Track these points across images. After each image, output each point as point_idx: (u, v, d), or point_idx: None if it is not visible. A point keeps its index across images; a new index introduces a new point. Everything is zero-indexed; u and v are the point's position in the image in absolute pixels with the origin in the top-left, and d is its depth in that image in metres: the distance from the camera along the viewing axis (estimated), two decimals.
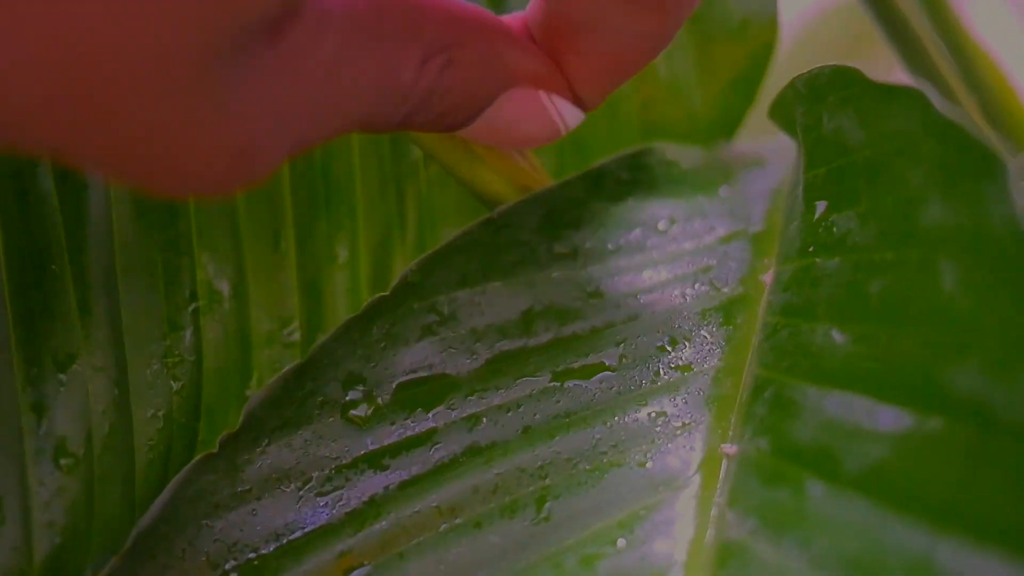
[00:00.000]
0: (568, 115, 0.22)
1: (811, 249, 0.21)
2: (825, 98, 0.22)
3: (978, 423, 0.16)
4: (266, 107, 0.16)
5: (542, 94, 0.21)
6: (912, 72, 0.34)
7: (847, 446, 0.17)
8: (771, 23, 0.30)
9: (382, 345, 0.22)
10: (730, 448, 0.19)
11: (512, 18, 0.21)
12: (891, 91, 0.19)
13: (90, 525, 0.23)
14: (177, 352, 0.24)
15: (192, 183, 0.16)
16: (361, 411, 0.22)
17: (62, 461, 0.22)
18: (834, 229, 0.21)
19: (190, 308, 0.24)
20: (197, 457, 0.21)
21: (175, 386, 0.24)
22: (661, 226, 0.25)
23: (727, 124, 0.30)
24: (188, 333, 0.24)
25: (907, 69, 0.35)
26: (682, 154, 0.26)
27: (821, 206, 0.21)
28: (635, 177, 0.25)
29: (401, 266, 0.27)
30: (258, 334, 0.25)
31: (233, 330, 0.25)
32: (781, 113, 0.24)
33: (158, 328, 0.24)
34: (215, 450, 0.21)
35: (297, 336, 0.26)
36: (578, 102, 0.22)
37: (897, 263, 0.18)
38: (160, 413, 0.24)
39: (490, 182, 0.24)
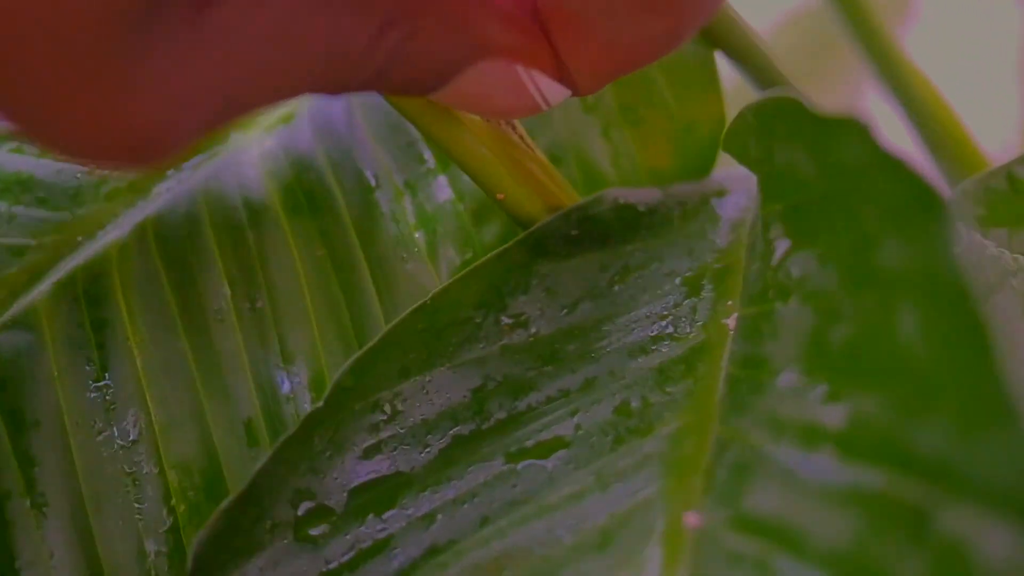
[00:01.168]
0: (549, 92, 0.20)
1: (771, 293, 0.20)
2: (774, 130, 0.20)
3: (943, 486, 0.14)
4: (187, 76, 0.15)
5: (519, 68, 0.20)
6: (880, 78, 0.33)
7: (811, 516, 0.16)
8: (716, 98, 0.29)
9: (327, 455, 0.21)
10: (692, 518, 0.18)
11: None
12: (834, 123, 0.18)
13: None
14: (159, 572, 0.23)
15: (100, 151, 0.16)
16: (318, 529, 0.20)
17: None
18: (792, 271, 0.19)
19: (168, 524, 0.24)
20: None
21: None
22: (615, 277, 0.23)
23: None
24: (168, 550, 0.24)
25: (874, 75, 0.33)
26: (637, 196, 0.25)
27: (780, 245, 0.20)
28: (584, 231, 0.24)
29: None
30: None
31: None
32: (735, 145, 0.23)
33: (139, 556, 0.23)
34: None
35: None
36: (570, 82, 0.20)
37: (856, 310, 0.17)
38: None
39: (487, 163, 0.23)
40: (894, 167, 0.16)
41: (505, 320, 0.22)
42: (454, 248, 0.26)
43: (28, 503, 0.22)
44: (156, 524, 0.24)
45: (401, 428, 0.21)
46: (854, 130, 0.17)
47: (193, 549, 0.20)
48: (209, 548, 0.20)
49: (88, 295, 0.24)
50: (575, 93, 0.21)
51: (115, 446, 0.24)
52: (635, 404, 0.21)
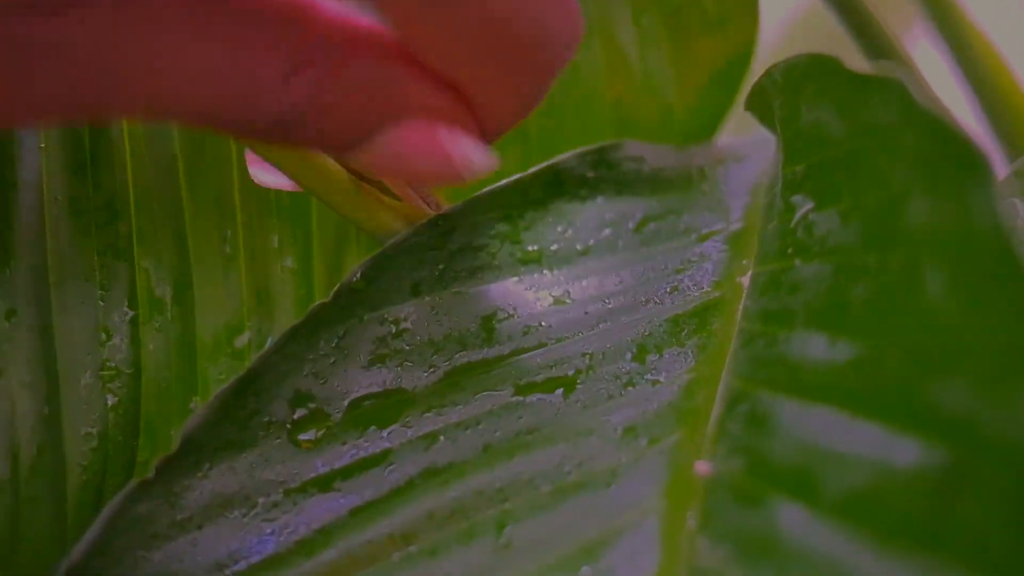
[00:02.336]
0: (475, 157, 0.20)
1: (790, 251, 0.20)
2: (802, 88, 0.20)
3: (965, 443, 0.14)
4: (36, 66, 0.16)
5: (441, 131, 0.19)
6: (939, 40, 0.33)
7: (826, 467, 0.16)
8: (751, 19, 0.29)
9: (331, 360, 0.21)
10: (703, 467, 0.18)
11: None
12: (870, 81, 0.18)
13: (16, 553, 0.21)
14: (113, 364, 0.23)
15: None
16: (311, 433, 0.20)
17: None
18: (814, 229, 0.19)
19: (129, 316, 0.23)
20: (131, 484, 0.19)
21: (111, 401, 0.23)
22: (631, 226, 0.23)
23: (705, 125, 0.28)
24: (126, 343, 0.23)
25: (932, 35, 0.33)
26: (653, 151, 0.25)
27: (801, 204, 0.20)
28: (601, 175, 0.23)
29: None
30: (203, 344, 0.24)
31: (175, 340, 0.23)
32: (758, 104, 0.23)
33: (94, 338, 0.22)
34: (150, 476, 0.19)
35: (246, 345, 0.24)
36: (489, 135, 0.20)
37: (880, 267, 0.17)
38: (94, 431, 0.22)
39: (386, 222, 0.22)
40: (933, 124, 0.16)
41: (519, 254, 0.22)
42: None
43: None
44: (116, 314, 0.23)
45: (408, 345, 0.21)
46: (893, 88, 0.17)
47: (183, 431, 0.19)
48: (200, 433, 0.19)
49: None
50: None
51: (90, 228, 0.23)
52: (647, 351, 0.21)
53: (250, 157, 0.24)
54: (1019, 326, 0.14)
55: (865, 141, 0.18)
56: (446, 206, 0.22)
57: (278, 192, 0.24)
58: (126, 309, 0.23)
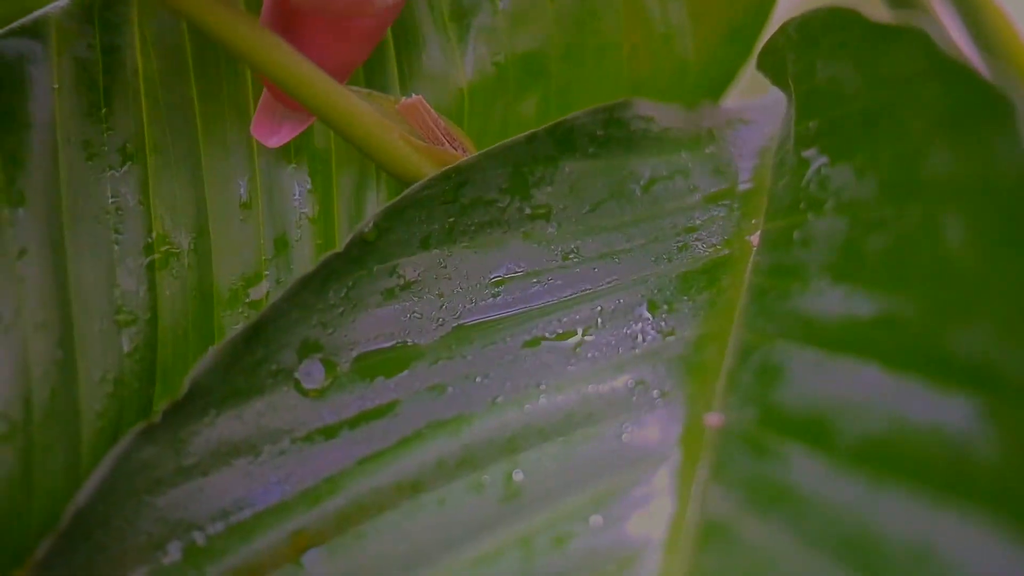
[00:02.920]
0: None
1: (802, 206, 0.19)
2: (819, 43, 0.20)
3: (985, 387, 0.14)
4: None
5: None
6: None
7: (841, 416, 0.16)
8: None
9: (340, 311, 0.20)
10: (714, 418, 0.18)
11: None
12: (891, 32, 0.17)
13: (30, 500, 0.21)
14: (129, 309, 0.22)
15: None
16: (318, 383, 0.20)
17: None
18: (828, 184, 0.19)
19: (145, 261, 0.23)
20: (136, 428, 0.19)
21: (127, 347, 0.22)
22: (641, 185, 0.23)
23: (720, 78, 0.28)
24: (142, 289, 0.22)
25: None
26: (662, 111, 0.24)
27: (814, 160, 0.20)
28: (610, 133, 0.23)
29: None
30: (220, 292, 0.23)
31: (192, 287, 0.23)
32: (771, 62, 0.22)
33: (108, 283, 0.22)
34: (156, 420, 0.19)
35: (264, 295, 0.24)
36: None
37: (897, 219, 0.17)
38: (110, 376, 0.22)
39: (424, 173, 0.22)
40: (956, 73, 0.16)
41: (528, 210, 0.22)
42: (485, 47, 0.26)
43: (3, 199, 0.21)
44: (131, 258, 0.23)
45: (416, 297, 0.21)
46: (915, 38, 0.17)
47: (191, 376, 0.19)
48: (207, 379, 0.19)
49: (104, 19, 0.23)
50: None
51: (105, 171, 0.23)
52: (657, 307, 0.20)
53: (257, 120, 0.23)
54: None
55: (884, 94, 0.18)
56: (473, 151, 0.22)
57: (297, 139, 0.24)
58: (142, 254, 0.23)
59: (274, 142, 0.23)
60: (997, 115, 0.15)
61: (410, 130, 0.22)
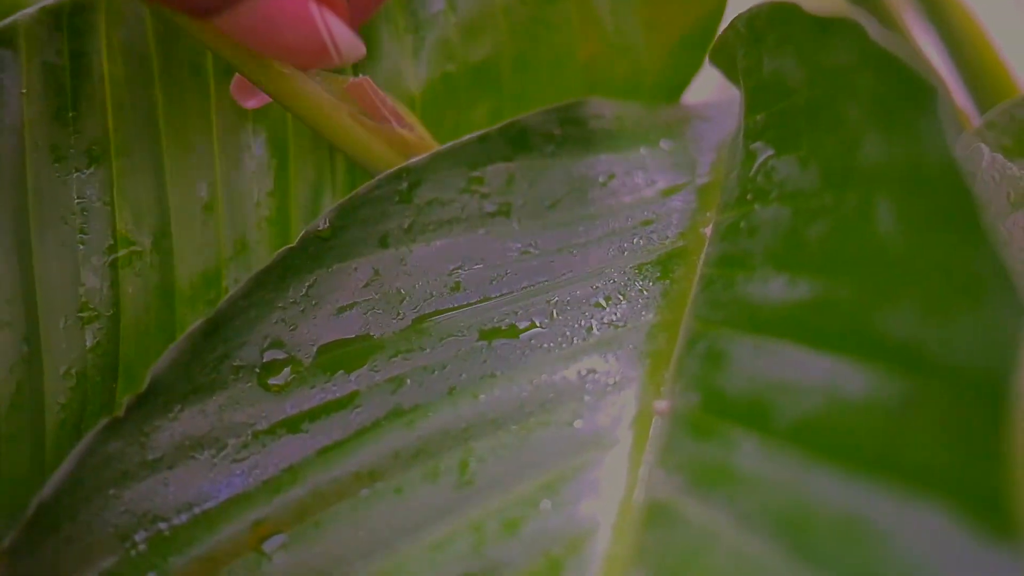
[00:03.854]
0: (342, 39, 0.20)
1: (749, 197, 0.20)
2: (764, 38, 0.21)
3: (912, 368, 0.15)
4: None
5: (311, 5, 0.19)
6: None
7: (779, 398, 0.16)
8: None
9: (301, 308, 0.21)
10: (662, 404, 0.18)
11: None
12: (828, 24, 0.18)
13: None
14: (93, 306, 0.23)
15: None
16: (281, 378, 0.20)
17: None
18: (774, 175, 0.20)
19: (109, 260, 0.23)
20: (101, 422, 0.19)
21: (90, 342, 0.23)
22: (600, 180, 0.23)
23: (674, 85, 0.28)
24: (105, 286, 0.23)
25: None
26: (619, 109, 0.25)
27: (761, 152, 0.20)
28: (567, 132, 0.24)
29: None
30: (182, 290, 0.24)
31: (154, 285, 0.24)
32: (722, 57, 0.23)
33: (73, 280, 0.23)
34: (120, 414, 0.19)
35: (224, 293, 0.25)
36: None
37: (836, 206, 0.17)
38: (73, 370, 0.23)
39: (379, 155, 0.23)
40: (887, 62, 0.16)
41: (488, 207, 0.22)
42: (437, 57, 0.26)
43: None
44: (96, 257, 0.23)
45: (376, 294, 0.21)
46: (850, 30, 0.17)
47: (152, 371, 0.20)
48: (169, 374, 0.20)
49: (72, 26, 0.23)
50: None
51: (71, 173, 0.23)
52: (611, 299, 0.21)
53: (236, 81, 0.24)
54: (963, 251, 0.14)
55: (824, 86, 0.18)
56: (423, 131, 0.23)
57: (257, 142, 0.25)
58: (106, 253, 0.23)
59: (252, 104, 0.24)
60: (923, 103, 0.15)
61: (360, 110, 0.23)
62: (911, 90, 0.16)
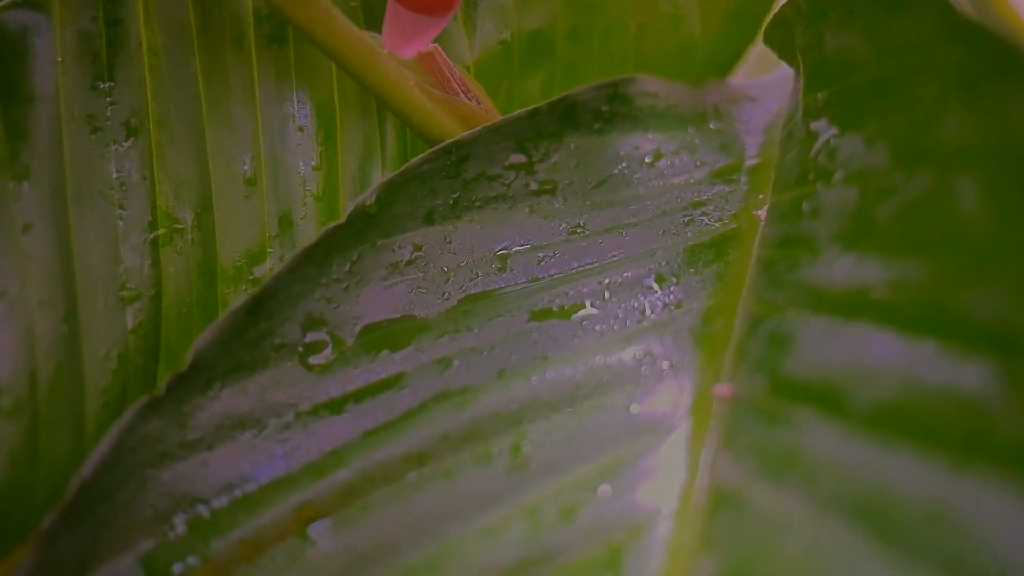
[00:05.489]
0: None
1: (811, 177, 0.19)
2: (828, 14, 0.20)
3: (1001, 349, 0.14)
4: None
5: None
6: None
7: (852, 381, 0.16)
8: None
9: (344, 285, 0.20)
10: (723, 388, 0.18)
11: None
12: None
13: (34, 475, 0.21)
14: (133, 286, 0.22)
15: None
16: (323, 357, 0.20)
17: (2, 403, 0.20)
18: (837, 155, 0.19)
19: (149, 237, 0.22)
20: (140, 401, 0.19)
21: (131, 323, 0.22)
22: (647, 160, 0.23)
23: (726, 58, 0.28)
24: (146, 265, 0.22)
25: None
26: (667, 88, 0.24)
27: (823, 132, 0.20)
28: (615, 110, 0.23)
29: None
30: (224, 269, 0.23)
31: (196, 264, 0.23)
32: (778, 36, 0.22)
33: (113, 258, 0.22)
34: (160, 393, 0.19)
35: (268, 273, 0.24)
36: None
37: (908, 185, 0.17)
38: (114, 353, 0.22)
39: (446, 127, 0.22)
40: (972, 34, 0.16)
41: (535, 185, 0.22)
42: (492, 25, 0.25)
43: (8, 173, 0.21)
44: (136, 234, 0.23)
45: (421, 273, 0.21)
46: (928, 2, 0.16)
47: (193, 349, 0.19)
48: (211, 351, 0.19)
49: None
50: None
51: (109, 146, 0.22)
52: (664, 280, 0.20)
53: (388, 32, 0.23)
54: None
55: (895, 62, 0.18)
56: (490, 104, 0.22)
57: (302, 114, 0.24)
58: (146, 231, 0.22)
59: (409, 52, 0.23)
60: (1015, 73, 0.15)
61: (427, 79, 0.22)
62: (1001, 63, 0.15)
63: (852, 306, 0.17)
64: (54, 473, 0.21)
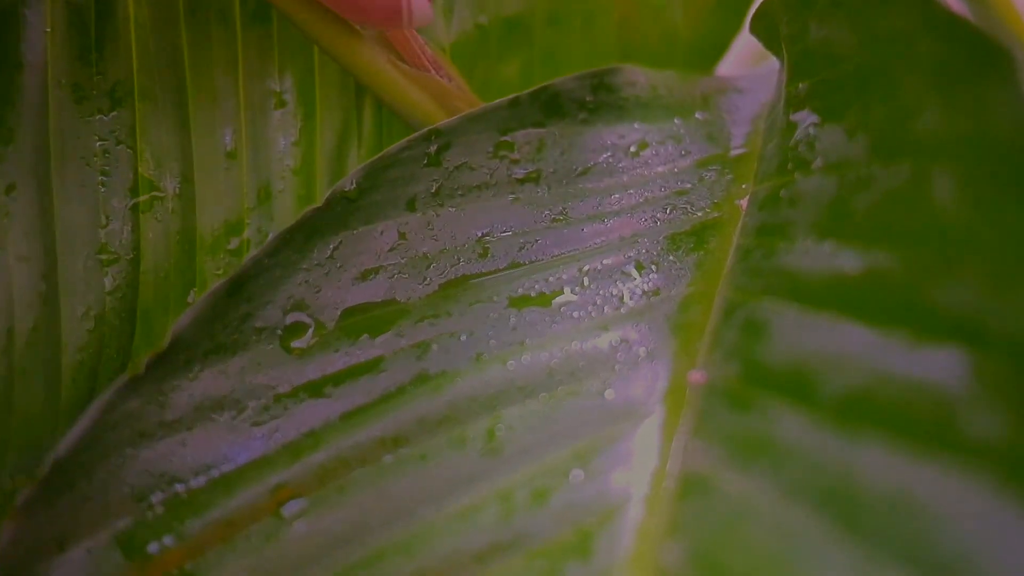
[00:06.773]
0: (417, 4, 0.20)
1: (790, 167, 0.19)
2: (812, 4, 0.20)
3: (969, 341, 0.14)
4: None
5: None
6: None
7: (824, 370, 0.16)
8: None
9: (325, 270, 0.20)
10: (697, 375, 0.18)
11: None
12: None
13: (8, 423, 0.21)
14: (113, 249, 0.22)
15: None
16: (304, 340, 0.20)
17: None
18: (816, 145, 0.19)
19: (130, 203, 0.23)
20: (120, 379, 0.19)
21: (109, 285, 0.22)
22: (632, 149, 0.23)
23: (711, 48, 0.28)
24: (126, 230, 0.23)
25: None
26: (653, 77, 0.24)
27: (803, 122, 0.20)
28: (600, 99, 0.23)
29: None
30: (203, 238, 0.23)
31: (175, 231, 0.23)
32: (764, 25, 0.22)
33: (93, 222, 0.22)
34: (140, 372, 0.19)
35: (245, 241, 0.24)
36: None
37: (886, 176, 0.17)
38: (91, 312, 0.22)
39: (416, 102, 0.22)
40: (954, 28, 0.15)
41: (518, 173, 0.22)
42: (468, 8, 0.26)
43: None
44: (117, 200, 0.23)
45: (402, 258, 0.21)
46: None
47: (173, 329, 0.19)
48: (191, 332, 0.19)
49: None
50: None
51: (93, 114, 0.23)
52: (644, 268, 0.20)
53: None
54: None
55: (878, 53, 0.18)
56: (461, 81, 0.22)
57: (283, 90, 0.24)
58: (127, 196, 0.23)
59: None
60: (996, 68, 0.15)
61: (399, 56, 0.22)
62: (982, 57, 0.15)
63: (826, 295, 0.17)
64: (29, 423, 0.21)
